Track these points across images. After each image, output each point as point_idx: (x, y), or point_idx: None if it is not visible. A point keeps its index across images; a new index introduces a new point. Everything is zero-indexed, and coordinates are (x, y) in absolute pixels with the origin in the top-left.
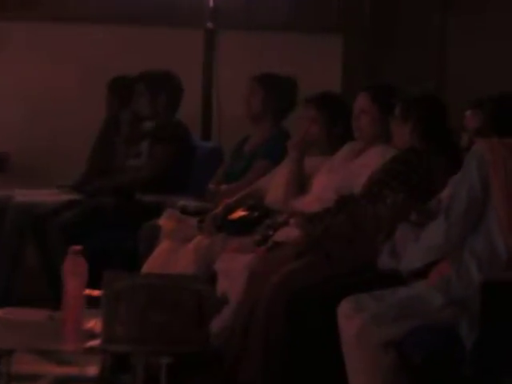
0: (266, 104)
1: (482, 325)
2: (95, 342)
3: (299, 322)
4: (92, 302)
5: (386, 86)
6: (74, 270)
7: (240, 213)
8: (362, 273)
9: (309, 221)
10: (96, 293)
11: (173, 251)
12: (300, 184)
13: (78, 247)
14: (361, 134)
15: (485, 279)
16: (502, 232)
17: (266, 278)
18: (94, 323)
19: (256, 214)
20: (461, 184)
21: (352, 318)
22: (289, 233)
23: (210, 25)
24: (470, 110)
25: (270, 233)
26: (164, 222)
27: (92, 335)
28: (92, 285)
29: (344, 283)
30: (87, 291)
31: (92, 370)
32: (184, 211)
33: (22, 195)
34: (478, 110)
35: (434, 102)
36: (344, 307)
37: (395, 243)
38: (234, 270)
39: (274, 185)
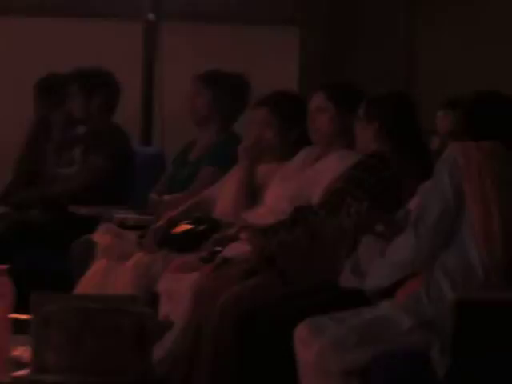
0: (213, 105)
1: (456, 350)
2: (23, 372)
3: (250, 347)
4: (19, 328)
5: (345, 83)
6: None
7: (185, 226)
8: (321, 292)
9: (261, 235)
10: (24, 317)
11: (109, 270)
12: (251, 194)
13: (3, 266)
14: (318, 137)
15: (458, 298)
16: (477, 246)
17: (213, 299)
18: (21, 351)
19: (202, 227)
20: (431, 192)
21: (309, 343)
22: (239, 248)
23: (150, 16)
24: (442, 111)
25: (218, 248)
26: (99, 237)
27: (20, 364)
28: (19, 308)
29: (301, 304)
30: (13, 315)
31: None
32: (122, 225)
33: None
34: (450, 110)
35: (401, 99)
36: (301, 331)
37: (358, 259)
38: (178, 290)
39: (223, 195)
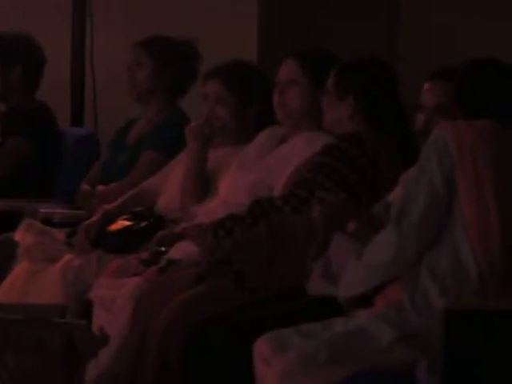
0: (155, 78)
1: (446, 366)
2: None
3: (201, 366)
4: None
5: (322, 51)
6: None
7: (122, 223)
8: (284, 300)
9: (211, 234)
10: None
11: (33, 274)
12: (202, 184)
13: None
14: (286, 114)
15: (449, 306)
16: (470, 245)
17: (156, 309)
18: None
19: (144, 223)
20: (416, 181)
21: (272, 362)
22: (187, 249)
23: None
24: (429, 82)
25: (163, 249)
26: (21, 235)
27: None
28: None
29: (261, 314)
30: None
31: None
32: (47, 222)
33: None
34: (439, 81)
35: (380, 67)
36: (261, 347)
37: (329, 261)
38: (115, 299)
39: (168, 185)
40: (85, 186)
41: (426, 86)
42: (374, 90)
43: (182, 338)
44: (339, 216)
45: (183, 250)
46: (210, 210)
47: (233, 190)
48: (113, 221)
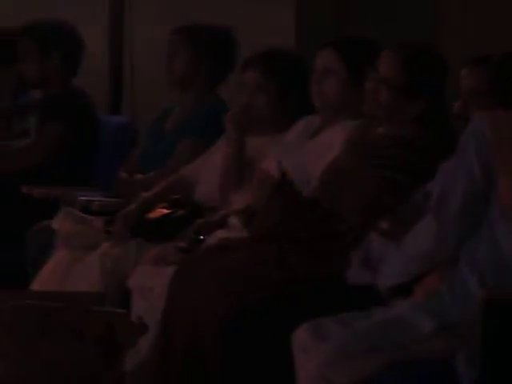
0: (194, 65)
1: (485, 357)
2: None
3: (237, 355)
4: None
5: (361, 39)
6: None
7: (161, 211)
8: (324, 289)
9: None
10: None
11: (72, 262)
12: (240, 172)
13: None
14: (323, 103)
15: (488, 296)
16: (510, 234)
17: (189, 295)
18: None
19: (182, 212)
20: (455, 171)
21: (311, 351)
22: (227, 237)
23: None
24: (467, 68)
25: (201, 237)
26: (60, 223)
27: None
28: None
29: (300, 303)
30: None
31: None
32: (86, 209)
33: None
34: (476, 67)
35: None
36: (300, 336)
37: (370, 249)
38: (154, 287)
39: (206, 173)
40: (123, 174)
41: (463, 71)
42: (443, 92)
43: (217, 325)
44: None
45: (222, 239)
46: (250, 199)
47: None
48: (151, 209)
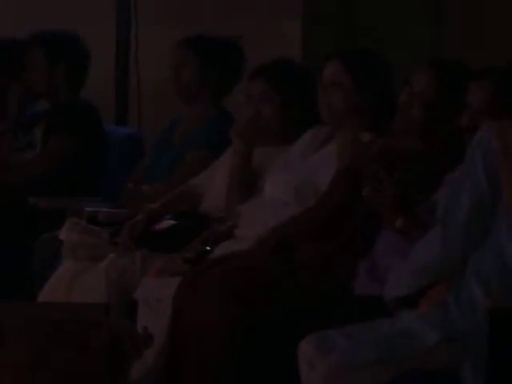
0: (201, 77)
1: (492, 368)
2: None
3: (244, 366)
4: None
5: (366, 51)
6: None
7: (168, 222)
8: (330, 300)
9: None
10: None
11: (78, 273)
12: (247, 183)
13: None
14: (329, 114)
15: (494, 306)
16: None
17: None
18: None
19: (189, 223)
20: (462, 182)
21: (316, 363)
22: (232, 248)
23: None
24: (475, 82)
25: (208, 248)
26: (66, 234)
27: None
28: None
29: (306, 314)
30: None
31: None
32: (93, 220)
33: None
34: (485, 80)
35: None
36: (305, 348)
37: (376, 260)
38: (160, 298)
39: (213, 185)
40: (130, 186)
41: (471, 85)
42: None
43: (226, 337)
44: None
45: (228, 250)
46: (256, 210)
47: (278, 190)
48: (158, 220)
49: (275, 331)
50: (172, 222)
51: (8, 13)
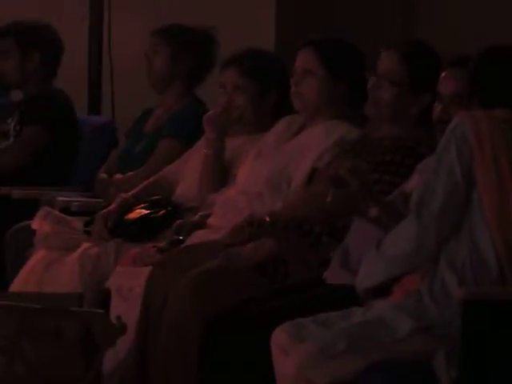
0: (173, 66)
1: (465, 357)
2: None
3: (218, 356)
4: None
5: (339, 40)
6: None
7: (140, 211)
8: (303, 289)
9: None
10: None
11: (51, 263)
12: (219, 173)
13: None
14: (302, 104)
15: (467, 296)
16: (490, 235)
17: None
18: None
19: (162, 212)
20: (435, 172)
21: (290, 352)
22: (205, 237)
23: None
24: (447, 71)
25: (181, 237)
26: (38, 224)
27: None
28: None
29: (279, 303)
30: None
31: None
32: (65, 210)
33: None
34: (456, 70)
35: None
36: (279, 336)
37: (349, 250)
38: (133, 288)
39: (186, 173)
40: (102, 175)
41: (442, 74)
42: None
43: (198, 327)
44: (351, 201)
45: (201, 239)
46: (229, 200)
47: (251, 179)
48: (130, 209)
49: (248, 319)
50: (145, 212)
51: None
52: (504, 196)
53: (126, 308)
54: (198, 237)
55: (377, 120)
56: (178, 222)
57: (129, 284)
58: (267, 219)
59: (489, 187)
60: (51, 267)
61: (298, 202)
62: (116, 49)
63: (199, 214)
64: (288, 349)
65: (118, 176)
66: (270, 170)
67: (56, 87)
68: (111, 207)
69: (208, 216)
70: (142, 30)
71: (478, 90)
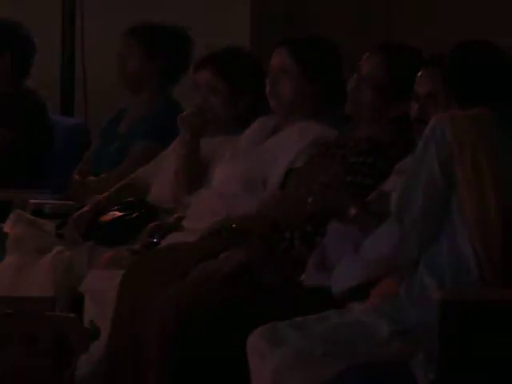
0: (146, 66)
1: (443, 361)
2: None
3: (192, 360)
4: None
5: (316, 39)
6: None
7: (114, 213)
8: (279, 291)
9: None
10: None
11: (23, 266)
12: (194, 174)
13: None
14: (278, 104)
15: (446, 298)
16: (470, 237)
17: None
18: None
19: (135, 214)
20: (414, 175)
21: (266, 356)
22: (180, 240)
23: None
24: (423, 70)
25: (155, 240)
26: (10, 227)
27: None
28: None
29: (254, 306)
30: None
31: None
32: (38, 212)
33: None
34: (431, 69)
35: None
36: (255, 341)
37: (326, 251)
38: (106, 291)
39: (160, 175)
40: (76, 177)
41: (419, 73)
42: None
43: (174, 330)
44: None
45: (176, 242)
46: (205, 202)
47: (227, 181)
48: (104, 212)
49: (223, 323)
50: (118, 214)
51: None
52: (483, 200)
53: (99, 312)
54: (172, 239)
55: (355, 121)
56: (153, 224)
57: (102, 287)
58: (234, 226)
59: (469, 188)
60: (23, 271)
61: (273, 205)
62: (89, 48)
63: (174, 216)
64: (265, 353)
65: (92, 178)
66: (245, 170)
67: (28, 87)
68: (84, 209)
69: (183, 218)
70: (115, 29)
71: (453, 89)
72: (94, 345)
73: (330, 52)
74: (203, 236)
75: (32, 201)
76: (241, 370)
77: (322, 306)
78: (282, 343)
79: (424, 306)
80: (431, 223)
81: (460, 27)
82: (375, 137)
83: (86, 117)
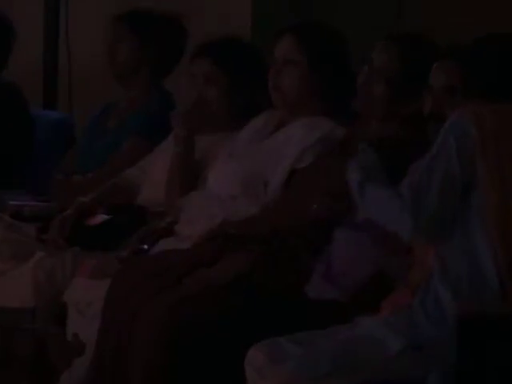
0: (138, 55)
1: (460, 378)
2: None
3: (189, 375)
4: None
5: (322, 25)
6: None
7: (101, 216)
8: (281, 304)
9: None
10: None
11: (1, 274)
12: (189, 174)
13: None
14: (282, 98)
15: (463, 312)
16: (491, 244)
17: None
18: None
19: (124, 218)
20: (430, 171)
21: (266, 373)
22: (174, 246)
23: None
24: (438, 63)
25: (145, 246)
26: None
27: None
28: None
29: (254, 319)
30: None
31: None
32: (17, 215)
33: None
34: (447, 61)
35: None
36: (254, 357)
37: (331, 262)
38: (92, 302)
39: (152, 175)
40: (59, 176)
41: (434, 65)
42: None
43: (168, 343)
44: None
45: (167, 248)
46: (200, 205)
47: (224, 182)
48: (90, 215)
49: (221, 336)
50: (106, 217)
51: None
52: (506, 193)
53: (84, 324)
54: (164, 246)
55: (366, 118)
56: (143, 229)
57: (87, 298)
58: (232, 232)
59: (492, 194)
60: (1, 279)
61: (274, 209)
62: (74, 39)
63: (166, 220)
64: (264, 370)
65: (77, 177)
66: (244, 171)
67: (7, 79)
68: (68, 212)
69: (175, 223)
70: (102, 16)
71: (476, 82)
72: (78, 361)
73: (338, 40)
74: (197, 243)
75: (11, 202)
76: None
77: (326, 319)
78: (282, 360)
79: (439, 319)
80: (446, 215)
81: (474, 19)
82: (387, 136)
83: (70, 111)
